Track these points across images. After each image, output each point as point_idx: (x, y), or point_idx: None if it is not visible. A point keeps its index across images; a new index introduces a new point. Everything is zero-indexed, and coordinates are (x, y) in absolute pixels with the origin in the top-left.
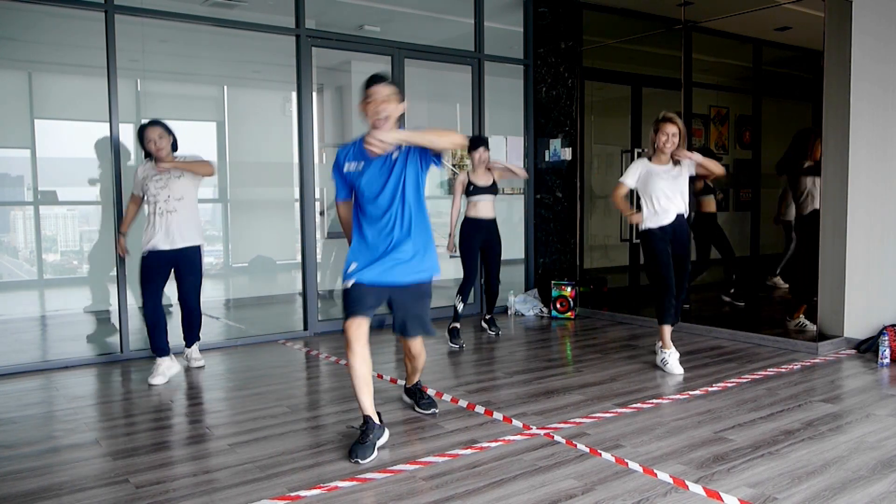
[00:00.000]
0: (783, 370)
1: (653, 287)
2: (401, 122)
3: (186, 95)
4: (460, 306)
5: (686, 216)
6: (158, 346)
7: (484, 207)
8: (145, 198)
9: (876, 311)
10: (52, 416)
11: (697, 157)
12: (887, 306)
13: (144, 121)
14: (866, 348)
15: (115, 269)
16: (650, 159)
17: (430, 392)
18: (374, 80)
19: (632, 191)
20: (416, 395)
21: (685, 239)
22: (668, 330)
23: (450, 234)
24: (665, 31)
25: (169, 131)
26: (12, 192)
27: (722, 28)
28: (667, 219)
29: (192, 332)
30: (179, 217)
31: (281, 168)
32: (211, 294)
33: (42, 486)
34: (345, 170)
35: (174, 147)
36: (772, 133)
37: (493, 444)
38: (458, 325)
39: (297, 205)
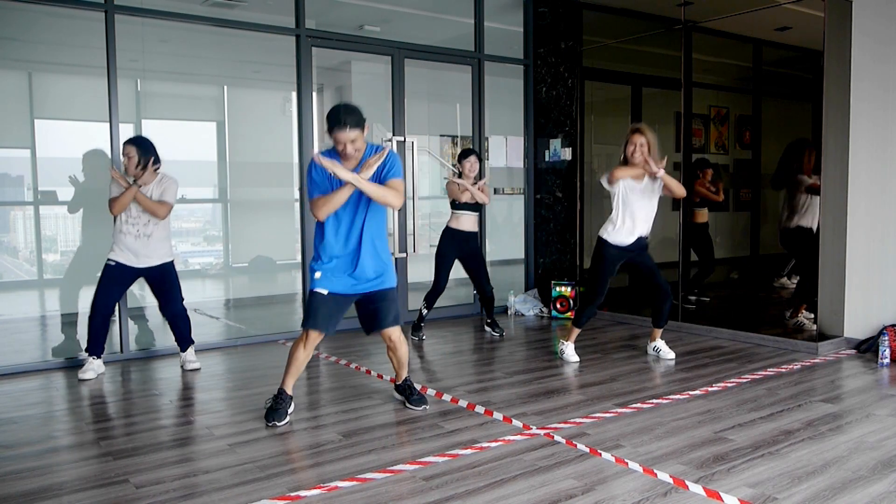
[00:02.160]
0: (783, 370)
1: (585, 293)
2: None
3: (186, 95)
4: (425, 311)
5: (647, 239)
6: (97, 349)
7: (467, 221)
8: (122, 215)
9: (876, 311)
10: (52, 416)
11: (662, 172)
12: (887, 306)
13: (144, 121)
14: (866, 348)
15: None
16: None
17: (430, 392)
18: (336, 124)
19: (609, 197)
20: (405, 391)
21: (645, 252)
22: (577, 332)
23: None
24: (665, 31)
25: (145, 150)
26: (12, 192)
27: (722, 28)
28: (629, 239)
29: (183, 337)
30: (153, 240)
31: (281, 168)
32: (211, 294)
33: (42, 486)
34: (327, 173)
35: (156, 161)
36: (772, 133)
37: (493, 444)
38: (422, 324)
39: (297, 205)
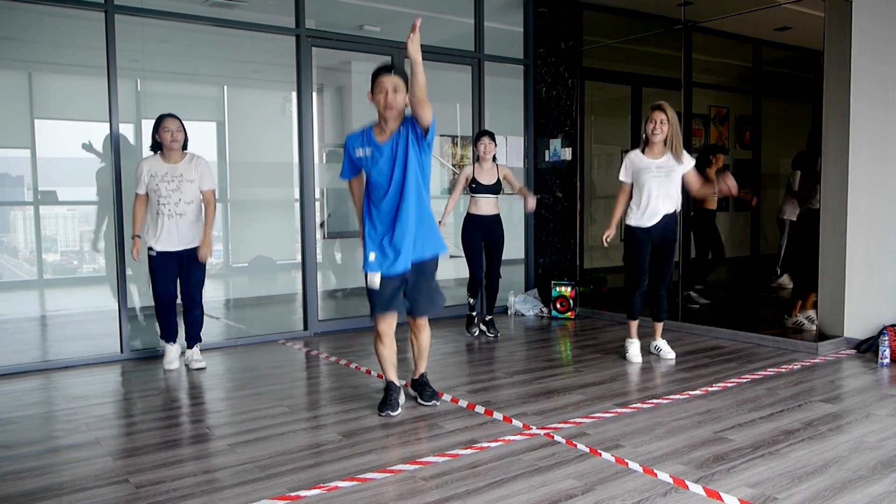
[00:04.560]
0: (783, 370)
1: (625, 280)
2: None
3: (186, 95)
4: (472, 301)
5: (676, 213)
6: (171, 333)
7: (486, 204)
8: (153, 196)
9: (876, 311)
10: (52, 416)
11: (731, 184)
12: (887, 306)
13: (145, 121)
14: (866, 348)
15: (115, 268)
16: (643, 151)
17: None
18: (383, 69)
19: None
20: (421, 386)
21: (670, 235)
22: (634, 325)
23: (440, 222)
24: (665, 31)
25: (184, 128)
26: (12, 192)
27: (722, 28)
28: (652, 220)
29: (193, 329)
30: (188, 219)
31: (281, 168)
32: (211, 294)
33: (42, 486)
34: (355, 155)
35: (184, 145)
36: (772, 133)
37: (493, 444)
38: (473, 314)
39: (297, 205)
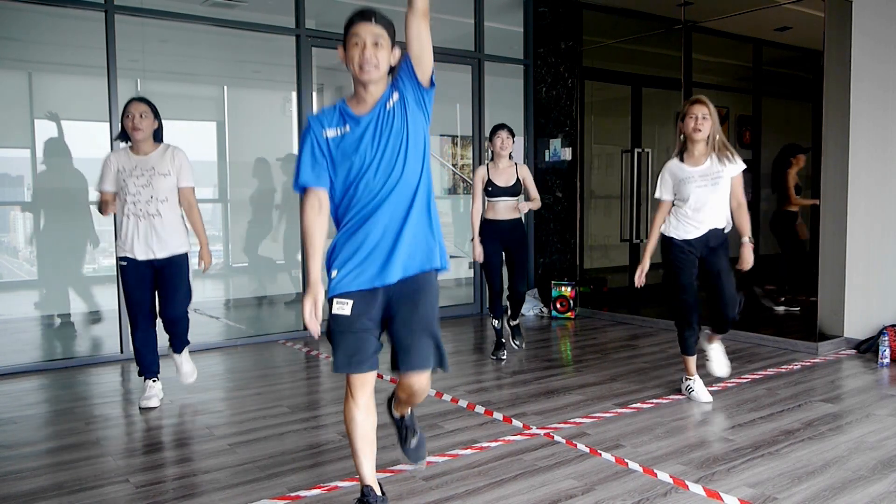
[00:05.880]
0: (783, 370)
1: (671, 311)
2: (391, 74)
3: (186, 95)
4: (496, 323)
5: (725, 230)
6: (149, 367)
7: (504, 209)
8: (121, 195)
9: (876, 311)
10: (52, 416)
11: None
12: (887, 306)
13: None
14: (866, 348)
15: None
16: (681, 159)
17: (430, 392)
18: (361, 15)
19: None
20: (405, 430)
21: (716, 246)
22: (691, 360)
23: (473, 239)
24: (665, 31)
25: (156, 114)
26: (12, 192)
27: (722, 28)
28: (696, 231)
29: (178, 339)
30: (163, 221)
31: (280, 168)
32: (211, 294)
33: (42, 486)
34: (324, 136)
35: (157, 136)
36: (772, 133)
37: (493, 444)
38: (502, 339)
39: (298, 204)
